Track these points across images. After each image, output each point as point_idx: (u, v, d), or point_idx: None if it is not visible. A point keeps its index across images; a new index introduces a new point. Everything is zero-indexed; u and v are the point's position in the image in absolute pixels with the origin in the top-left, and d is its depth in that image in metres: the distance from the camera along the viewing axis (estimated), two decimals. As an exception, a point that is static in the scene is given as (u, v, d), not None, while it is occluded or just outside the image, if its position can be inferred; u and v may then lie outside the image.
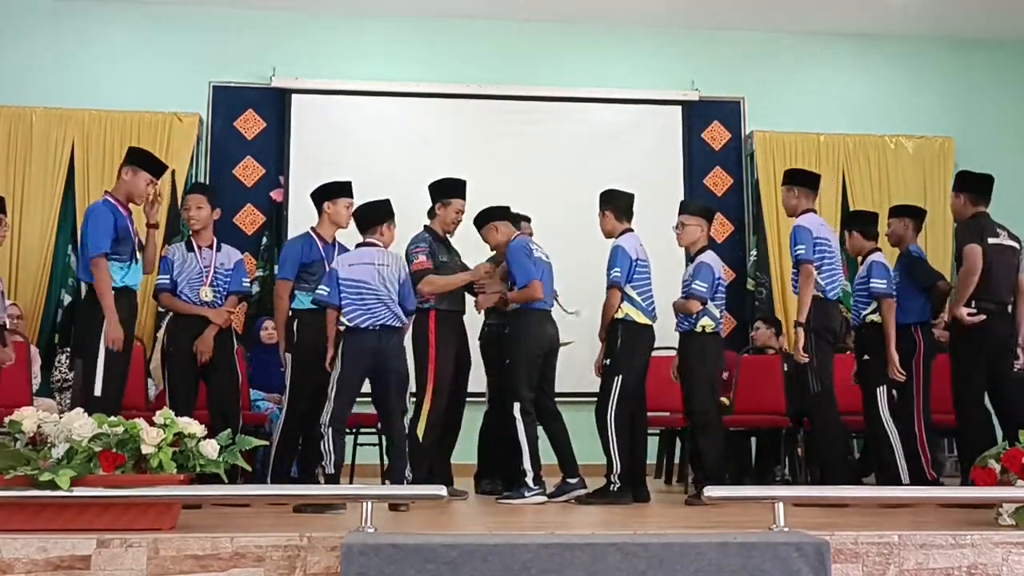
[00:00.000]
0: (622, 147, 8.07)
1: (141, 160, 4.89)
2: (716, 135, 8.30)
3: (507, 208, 5.49)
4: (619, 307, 5.09)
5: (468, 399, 5.50)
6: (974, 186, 5.29)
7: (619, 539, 2.99)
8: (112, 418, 3.39)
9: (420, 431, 5.02)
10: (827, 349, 5.10)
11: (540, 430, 5.20)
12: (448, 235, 5.43)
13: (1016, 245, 5.21)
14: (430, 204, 5.46)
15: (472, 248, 5.63)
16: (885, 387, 5.06)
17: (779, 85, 8.41)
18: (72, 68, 7.78)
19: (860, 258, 5.47)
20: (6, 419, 3.41)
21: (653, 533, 3.30)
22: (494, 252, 5.58)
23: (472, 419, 5.64)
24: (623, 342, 5.08)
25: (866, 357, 5.17)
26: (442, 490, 3.34)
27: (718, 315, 5.21)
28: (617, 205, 5.33)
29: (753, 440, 6.59)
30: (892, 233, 5.55)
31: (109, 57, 7.85)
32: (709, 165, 8.24)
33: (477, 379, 5.64)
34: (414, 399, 5.16)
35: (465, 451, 5.64)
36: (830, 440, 5.06)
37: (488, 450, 5.72)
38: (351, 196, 5.22)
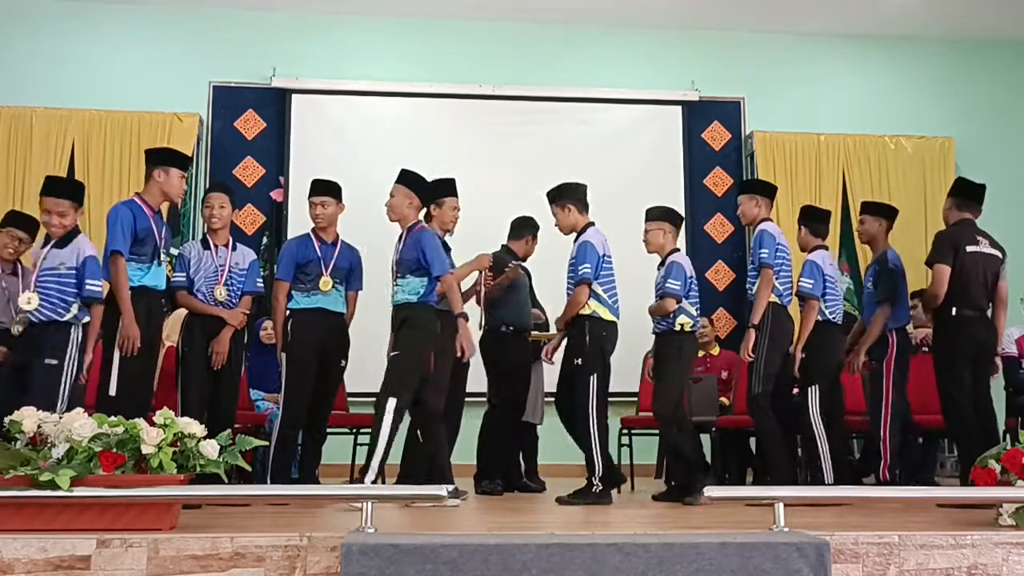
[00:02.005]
0: (622, 147, 8.07)
1: (167, 159, 4.85)
2: (716, 135, 8.31)
3: (584, 187, 5.38)
4: (586, 304, 5.06)
5: (468, 399, 5.50)
6: (963, 192, 5.33)
7: (619, 539, 2.99)
8: (112, 418, 3.39)
9: (420, 431, 5.02)
10: (778, 354, 5.14)
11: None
12: (448, 235, 5.42)
13: (999, 254, 5.26)
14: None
15: (470, 248, 5.62)
16: (817, 387, 5.09)
17: (779, 85, 8.41)
18: (72, 68, 7.78)
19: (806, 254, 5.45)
20: (6, 419, 3.41)
21: (653, 533, 3.30)
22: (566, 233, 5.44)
23: (472, 419, 5.64)
24: (591, 339, 5.02)
25: (803, 355, 5.17)
26: (442, 490, 3.34)
27: (694, 312, 5.23)
28: (578, 198, 5.30)
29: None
30: (864, 231, 5.58)
31: (109, 57, 7.86)
32: (709, 165, 8.25)
33: (477, 379, 5.63)
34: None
35: (465, 451, 5.64)
36: (769, 441, 5.10)
37: (488, 451, 5.72)
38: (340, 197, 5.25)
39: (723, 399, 6.38)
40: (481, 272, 5.58)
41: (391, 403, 4.66)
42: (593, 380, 4.95)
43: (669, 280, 5.16)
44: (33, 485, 3.12)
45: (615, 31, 8.29)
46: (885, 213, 5.64)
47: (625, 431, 6.30)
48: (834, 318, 5.25)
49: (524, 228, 5.87)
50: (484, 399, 5.88)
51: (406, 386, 4.74)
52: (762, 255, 5.11)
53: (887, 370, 5.24)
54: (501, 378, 5.66)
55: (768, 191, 5.50)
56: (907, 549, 3.19)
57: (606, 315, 5.08)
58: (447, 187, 5.41)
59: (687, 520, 4.20)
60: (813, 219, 5.48)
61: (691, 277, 5.27)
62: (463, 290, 5.48)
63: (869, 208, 5.70)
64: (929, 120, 8.42)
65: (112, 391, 4.46)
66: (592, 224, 5.23)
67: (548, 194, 5.39)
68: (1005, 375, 6.68)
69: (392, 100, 8.02)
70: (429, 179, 5.46)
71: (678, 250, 5.38)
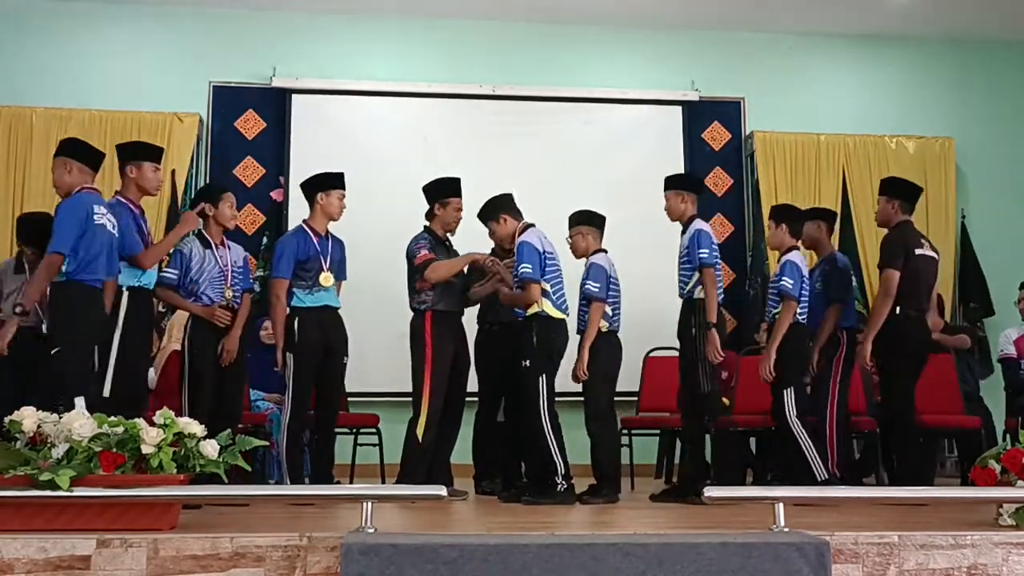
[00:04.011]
0: (622, 147, 8.07)
1: (137, 153, 4.80)
2: (716, 135, 8.30)
3: (510, 195, 5.43)
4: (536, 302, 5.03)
5: (468, 399, 5.50)
6: (908, 195, 5.31)
7: (619, 539, 2.99)
8: (112, 418, 3.39)
9: (419, 432, 5.02)
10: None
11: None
12: (449, 235, 5.42)
13: (936, 256, 5.29)
14: (427, 206, 5.46)
15: (469, 248, 5.61)
16: (793, 388, 5.08)
17: (779, 85, 8.40)
18: (72, 68, 7.78)
19: (779, 255, 5.43)
20: (6, 419, 3.41)
21: (653, 533, 3.30)
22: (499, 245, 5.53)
23: (472, 419, 5.64)
24: (539, 340, 5.02)
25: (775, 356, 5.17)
26: (442, 490, 3.34)
27: (610, 312, 5.22)
28: (510, 206, 5.34)
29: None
30: (807, 236, 5.59)
31: (109, 57, 7.85)
32: (709, 165, 8.24)
33: (477, 379, 5.63)
34: (412, 399, 5.17)
35: (465, 451, 5.64)
36: (701, 440, 5.13)
37: (483, 451, 5.71)
38: (344, 188, 5.21)
39: (723, 399, 6.38)
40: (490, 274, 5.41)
41: (79, 403, 3.97)
42: (542, 381, 4.96)
43: (588, 281, 5.17)
44: (33, 485, 3.12)
45: (615, 31, 8.29)
46: (823, 216, 5.68)
47: (625, 431, 6.29)
48: (802, 319, 5.24)
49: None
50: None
51: (82, 377, 4.26)
52: (702, 255, 5.06)
53: (835, 369, 5.30)
54: (496, 377, 5.64)
55: (695, 186, 5.45)
56: (907, 549, 3.20)
57: (553, 312, 5.07)
58: (453, 187, 5.40)
59: (687, 520, 4.20)
60: (793, 218, 5.47)
61: (612, 278, 5.27)
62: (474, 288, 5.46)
63: (807, 214, 5.72)
64: (929, 120, 8.42)
65: (106, 392, 4.40)
66: (531, 225, 5.25)
67: (479, 215, 5.43)
68: (1004, 376, 6.70)
69: (392, 100, 8.01)
70: (436, 178, 5.47)
71: (603, 251, 5.35)
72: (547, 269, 5.09)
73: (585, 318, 5.22)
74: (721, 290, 5.22)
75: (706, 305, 5.06)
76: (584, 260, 5.39)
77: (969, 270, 8.12)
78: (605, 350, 5.20)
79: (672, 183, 5.41)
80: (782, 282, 5.17)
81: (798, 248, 5.36)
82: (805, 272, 5.26)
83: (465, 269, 5.44)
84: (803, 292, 5.20)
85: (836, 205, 8.06)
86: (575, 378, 5.20)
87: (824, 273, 5.45)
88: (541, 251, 5.09)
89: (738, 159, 8.28)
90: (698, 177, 5.47)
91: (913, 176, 8.13)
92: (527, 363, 5.00)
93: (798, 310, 5.16)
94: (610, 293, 5.25)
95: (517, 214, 5.33)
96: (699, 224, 5.21)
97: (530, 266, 5.01)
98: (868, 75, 8.51)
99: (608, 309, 5.21)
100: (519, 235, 5.19)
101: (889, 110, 8.43)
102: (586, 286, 5.18)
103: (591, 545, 2.93)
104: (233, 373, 4.99)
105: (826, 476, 4.96)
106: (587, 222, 5.40)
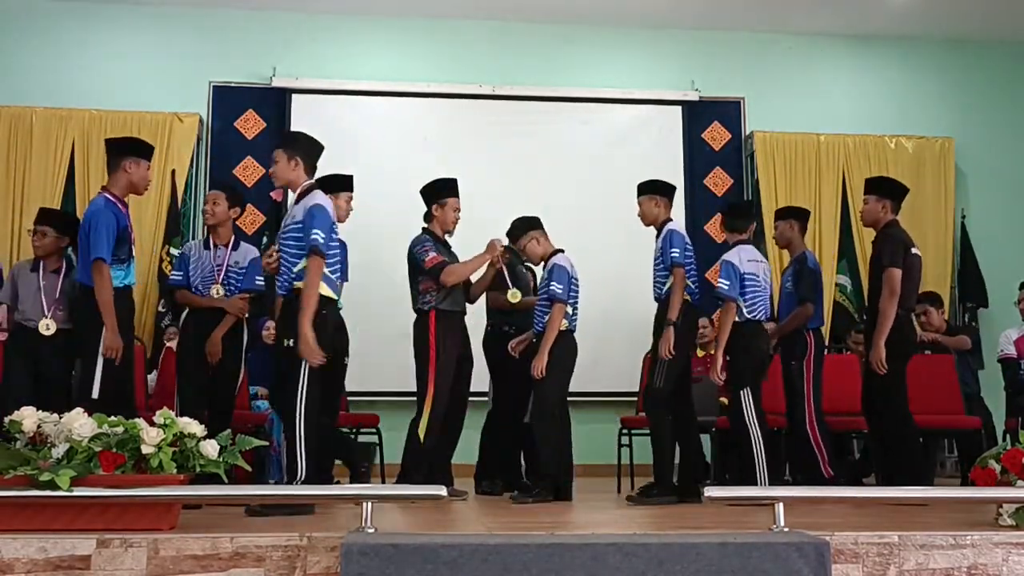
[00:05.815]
0: (622, 147, 8.06)
1: (137, 149, 4.81)
2: (716, 135, 8.30)
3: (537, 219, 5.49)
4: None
5: (469, 398, 5.50)
6: (897, 194, 5.28)
7: (619, 539, 2.99)
8: (112, 418, 3.39)
9: (421, 432, 5.01)
10: (683, 350, 5.14)
11: None
12: (448, 235, 5.41)
13: (920, 255, 5.30)
14: (424, 208, 5.45)
15: (468, 248, 5.61)
16: (749, 389, 5.06)
17: (779, 85, 8.41)
18: (72, 68, 7.78)
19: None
20: (6, 419, 3.41)
21: (653, 533, 3.31)
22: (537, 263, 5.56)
23: (473, 419, 5.63)
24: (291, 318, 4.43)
25: (727, 358, 5.16)
26: (442, 490, 3.34)
27: (571, 312, 5.24)
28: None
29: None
30: (779, 236, 5.64)
31: (109, 57, 7.85)
32: (709, 165, 8.24)
33: (479, 379, 5.63)
34: (416, 399, 5.17)
35: (465, 451, 5.64)
36: (659, 438, 5.12)
37: (489, 450, 5.72)
38: (352, 190, 5.22)
39: (723, 399, 6.38)
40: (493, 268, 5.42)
41: None
42: (304, 364, 4.34)
43: (552, 284, 5.17)
44: (33, 485, 3.12)
45: (615, 31, 8.29)
46: (796, 215, 5.71)
47: (625, 431, 6.29)
48: (755, 316, 5.17)
49: (520, 229, 5.75)
50: (486, 399, 5.89)
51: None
52: (673, 254, 5.09)
53: (807, 369, 5.31)
54: (503, 378, 5.66)
55: (667, 191, 5.44)
56: (907, 549, 3.20)
57: (326, 292, 4.45)
58: (449, 187, 5.39)
59: (687, 520, 4.20)
60: (731, 214, 5.50)
61: (573, 278, 5.27)
62: (473, 284, 5.45)
63: (780, 214, 5.78)
64: (929, 120, 8.42)
65: (95, 394, 4.42)
66: (561, 251, 5.32)
67: (527, 223, 5.44)
68: (1004, 376, 6.70)
69: (392, 100, 8.01)
70: (432, 179, 5.47)
71: (560, 251, 5.36)
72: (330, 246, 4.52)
73: (544, 318, 5.20)
74: (699, 291, 5.25)
75: (670, 303, 5.07)
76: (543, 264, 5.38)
77: (968, 270, 8.12)
78: (564, 349, 5.19)
79: (644, 188, 5.42)
80: (718, 284, 5.18)
81: (745, 243, 5.31)
82: (748, 267, 5.18)
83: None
84: (748, 288, 5.15)
85: (836, 205, 8.09)
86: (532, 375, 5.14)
87: (795, 273, 5.47)
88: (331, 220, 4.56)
89: (738, 159, 8.28)
90: (669, 183, 5.49)
91: (912, 176, 8.18)
92: (290, 343, 4.25)
93: (745, 306, 5.13)
94: (571, 293, 5.25)
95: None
96: (672, 225, 5.25)
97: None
98: (868, 75, 8.51)
99: (569, 309, 5.21)
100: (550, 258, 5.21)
101: (888, 110, 8.43)
102: (550, 287, 5.17)
103: (591, 545, 2.93)
104: (224, 372, 5.00)
105: (767, 483, 4.96)
106: (538, 226, 5.42)
